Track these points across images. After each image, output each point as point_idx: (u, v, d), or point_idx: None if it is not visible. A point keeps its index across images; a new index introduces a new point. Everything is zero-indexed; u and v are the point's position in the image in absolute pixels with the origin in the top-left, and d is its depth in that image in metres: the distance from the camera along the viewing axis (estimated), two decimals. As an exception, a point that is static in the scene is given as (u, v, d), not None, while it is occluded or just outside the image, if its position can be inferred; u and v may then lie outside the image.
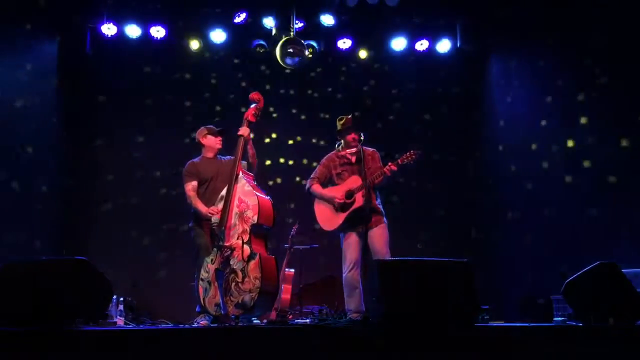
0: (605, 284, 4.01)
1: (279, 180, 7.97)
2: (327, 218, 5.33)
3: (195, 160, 5.42)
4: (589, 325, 3.98)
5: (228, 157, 5.38)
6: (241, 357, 3.34)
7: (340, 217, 5.22)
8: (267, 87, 8.09)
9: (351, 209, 5.16)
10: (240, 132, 5.01)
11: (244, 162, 5.08)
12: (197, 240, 5.25)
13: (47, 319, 3.48)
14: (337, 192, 5.28)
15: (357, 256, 5.15)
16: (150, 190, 7.72)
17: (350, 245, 5.19)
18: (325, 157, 5.55)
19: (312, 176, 5.50)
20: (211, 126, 5.50)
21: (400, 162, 5.02)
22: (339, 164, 5.41)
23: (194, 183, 5.26)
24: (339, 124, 5.44)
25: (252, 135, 5.14)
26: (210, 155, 5.43)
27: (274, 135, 8.14)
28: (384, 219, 5.25)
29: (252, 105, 5.14)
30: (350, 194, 5.20)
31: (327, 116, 8.08)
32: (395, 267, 3.95)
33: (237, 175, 4.85)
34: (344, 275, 5.21)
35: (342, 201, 5.21)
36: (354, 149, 5.32)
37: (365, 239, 5.11)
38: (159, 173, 7.79)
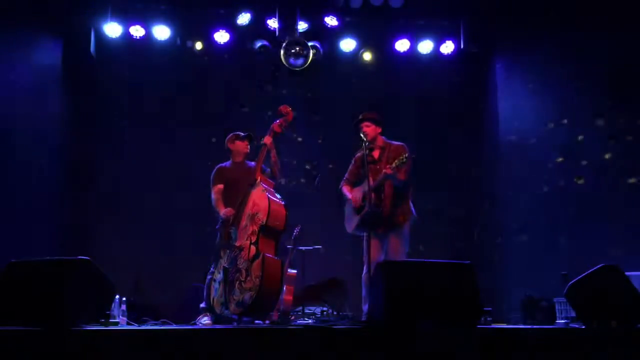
0: (608, 286, 4.00)
1: (282, 182, 7.97)
2: (348, 219, 5.37)
3: (225, 164, 5.65)
4: (592, 328, 3.97)
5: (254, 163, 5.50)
6: (243, 357, 3.35)
7: (356, 219, 5.22)
8: (269, 88, 8.10)
9: (362, 212, 5.14)
10: (263, 141, 5.24)
11: (268, 170, 5.28)
12: (220, 242, 5.37)
13: (49, 318, 3.49)
14: (356, 194, 5.28)
15: (373, 258, 5.12)
16: (153, 190, 7.72)
17: (368, 248, 5.18)
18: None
19: (344, 177, 5.53)
20: (238, 132, 5.70)
21: (394, 165, 5.01)
22: (360, 165, 5.37)
23: (220, 186, 5.49)
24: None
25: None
26: (238, 159, 5.63)
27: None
28: (404, 225, 5.18)
29: (280, 118, 5.28)
30: (364, 196, 5.19)
31: (328, 117, 8.08)
32: (397, 269, 3.95)
33: (256, 180, 5.03)
34: (362, 274, 5.24)
35: (357, 203, 5.21)
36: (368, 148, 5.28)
37: (385, 242, 5.14)
38: (162, 174, 7.80)
